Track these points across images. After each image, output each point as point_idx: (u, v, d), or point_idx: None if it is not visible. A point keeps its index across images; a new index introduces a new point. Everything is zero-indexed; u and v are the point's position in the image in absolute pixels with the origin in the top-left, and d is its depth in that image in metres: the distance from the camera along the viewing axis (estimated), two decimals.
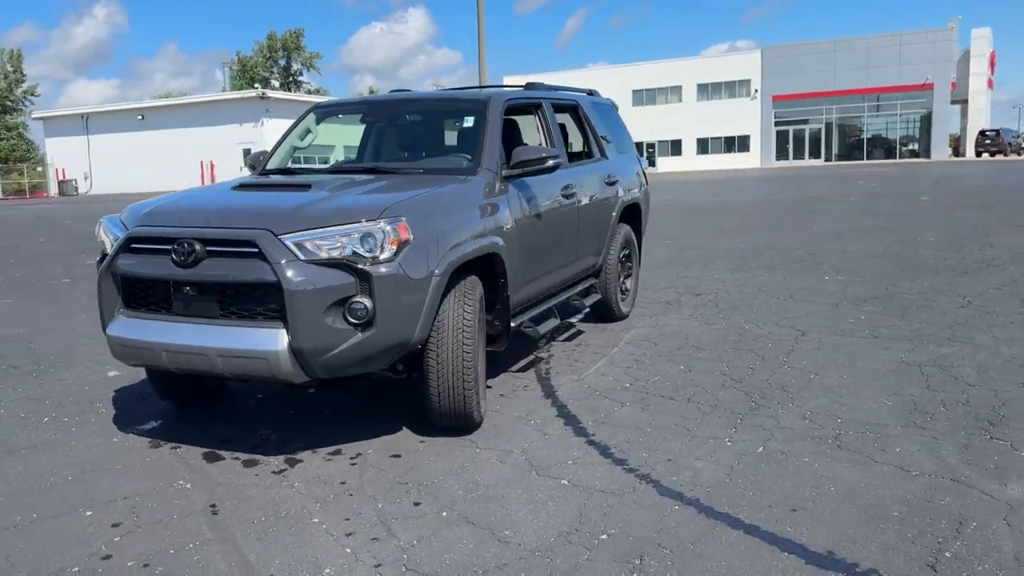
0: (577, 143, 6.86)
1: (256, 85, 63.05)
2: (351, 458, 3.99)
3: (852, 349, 5.72)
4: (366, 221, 3.75)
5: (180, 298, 3.85)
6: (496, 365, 5.53)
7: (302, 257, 3.62)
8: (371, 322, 3.68)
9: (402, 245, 3.78)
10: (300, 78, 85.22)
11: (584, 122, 6.56)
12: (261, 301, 3.69)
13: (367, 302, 3.66)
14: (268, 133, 45.23)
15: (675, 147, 67.93)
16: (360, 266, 3.66)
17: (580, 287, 6.18)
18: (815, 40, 63.09)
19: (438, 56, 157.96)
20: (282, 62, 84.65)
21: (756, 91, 64.29)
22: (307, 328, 3.60)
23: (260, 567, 2.93)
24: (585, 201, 5.97)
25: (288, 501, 3.50)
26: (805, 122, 63.44)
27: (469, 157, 4.93)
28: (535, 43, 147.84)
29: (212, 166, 47.53)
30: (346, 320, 3.66)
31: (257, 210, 4.02)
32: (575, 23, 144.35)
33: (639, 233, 7.35)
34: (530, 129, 5.94)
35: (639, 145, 69.11)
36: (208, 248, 3.73)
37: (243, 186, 4.68)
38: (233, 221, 3.84)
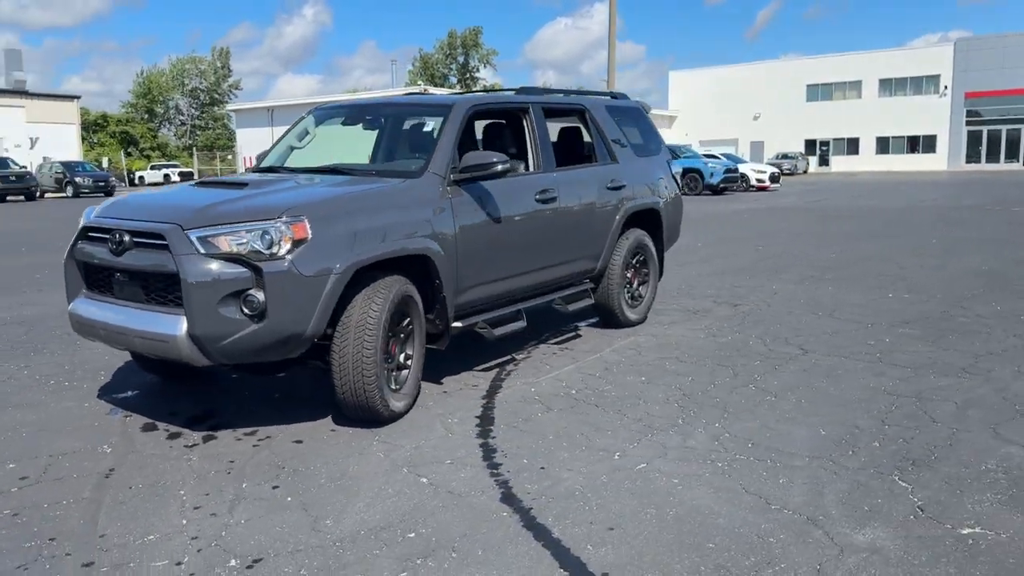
0: (580, 147, 6.81)
1: (419, 82, 65.83)
2: (258, 440, 4.28)
3: (841, 373, 5.36)
4: (267, 220, 4.03)
5: (116, 283, 4.31)
6: (463, 363, 5.67)
7: (202, 251, 3.95)
8: (264, 314, 3.95)
9: (297, 243, 4.02)
10: (477, 75, 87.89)
11: (591, 126, 6.52)
12: (169, 289, 4.06)
13: (260, 295, 3.94)
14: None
15: (852, 146, 64.12)
16: (256, 262, 3.94)
17: (570, 291, 6.17)
18: (1018, 32, 57.17)
19: (622, 50, 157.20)
20: (461, 59, 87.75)
21: (946, 87, 59.29)
22: (202, 316, 3.93)
23: (102, 526, 3.28)
24: (573, 205, 5.96)
25: (173, 473, 3.84)
26: (1004, 122, 57.72)
27: (422, 161, 5.10)
28: (725, 34, 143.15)
29: None
30: (242, 311, 3.96)
31: (178, 206, 4.40)
32: (767, 15, 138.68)
33: (659, 240, 7.19)
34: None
35: (812, 143, 65.97)
36: (134, 239, 4.16)
37: (199, 183, 5.13)
38: (156, 215, 4.24)
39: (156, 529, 3.25)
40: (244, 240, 3.96)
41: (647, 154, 7.12)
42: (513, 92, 6.07)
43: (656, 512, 3.33)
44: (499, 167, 4.99)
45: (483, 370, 5.59)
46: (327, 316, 4.12)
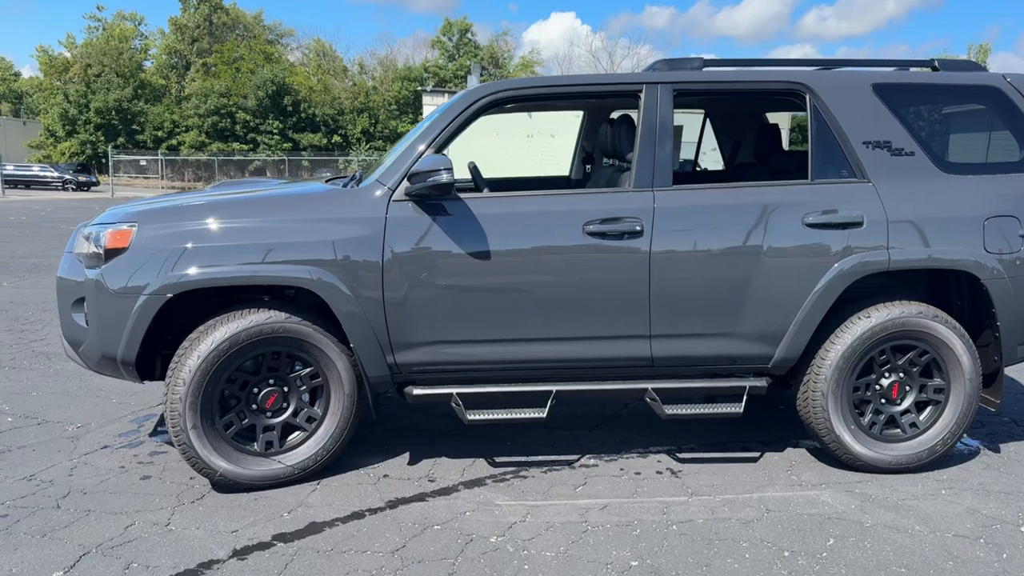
0: (782, 155, 4.01)
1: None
2: None
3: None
4: (104, 224, 3.65)
5: None
6: (431, 451, 4.11)
7: (71, 249, 3.79)
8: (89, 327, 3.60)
9: (112, 253, 3.51)
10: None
11: (816, 120, 3.85)
12: None
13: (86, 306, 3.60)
14: None
15: None
16: (86, 268, 3.61)
17: (688, 383, 3.82)
18: None
19: None
20: None
21: None
22: (63, 319, 3.78)
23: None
24: (689, 245, 3.66)
25: (124, 485, 3.67)
26: None
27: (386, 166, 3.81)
28: None
29: None
30: (85, 320, 3.67)
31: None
32: None
33: (982, 330, 3.85)
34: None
35: None
36: None
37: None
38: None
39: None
40: (88, 245, 3.65)
41: (996, 171, 3.90)
42: (659, 64, 4.01)
43: None
44: (444, 176, 3.43)
45: (462, 481, 3.95)
46: (137, 343, 3.49)
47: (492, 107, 3.79)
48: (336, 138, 48.36)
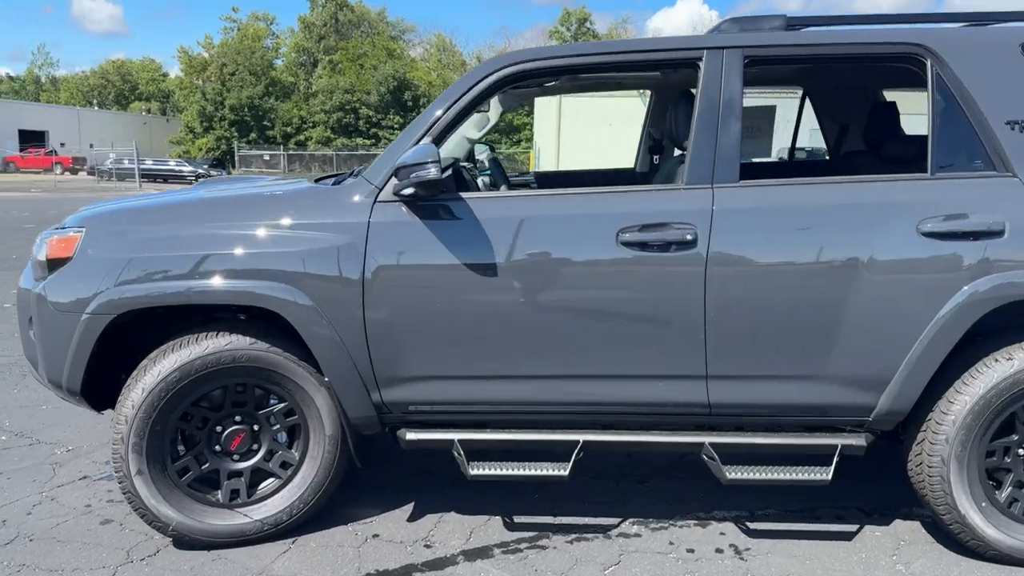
0: (901, 140, 3.00)
1: None
2: None
3: None
4: (59, 228, 3.14)
5: None
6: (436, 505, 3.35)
7: (33, 257, 3.32)
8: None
9: (54, 264, 2.99)
10: None
11: (939, 92, 2.87)
12: None
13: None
14: None
15: None
16: (36, 279, 3.11)
17: (755, 439, 2.93)
18: None
19: None
20: None
21: None
22: (22, 336, 3.32)
23: None
24: (759, 257, 2.79)
25: (78, 531, 3.17)
26: None
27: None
28: None
29: None
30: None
31: None
32: None
33: None
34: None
35: None
36: None
37: None
38: None
39: None
40: (38, 252, 3.15)
41: None
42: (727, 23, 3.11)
43: None
44: (429, 172, 2.70)
45: (465, 549, 3.20)
46: (81, 369, 2.95)
47: (509, 83, 3.03)
48: None
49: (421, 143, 2.89)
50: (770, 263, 2.81)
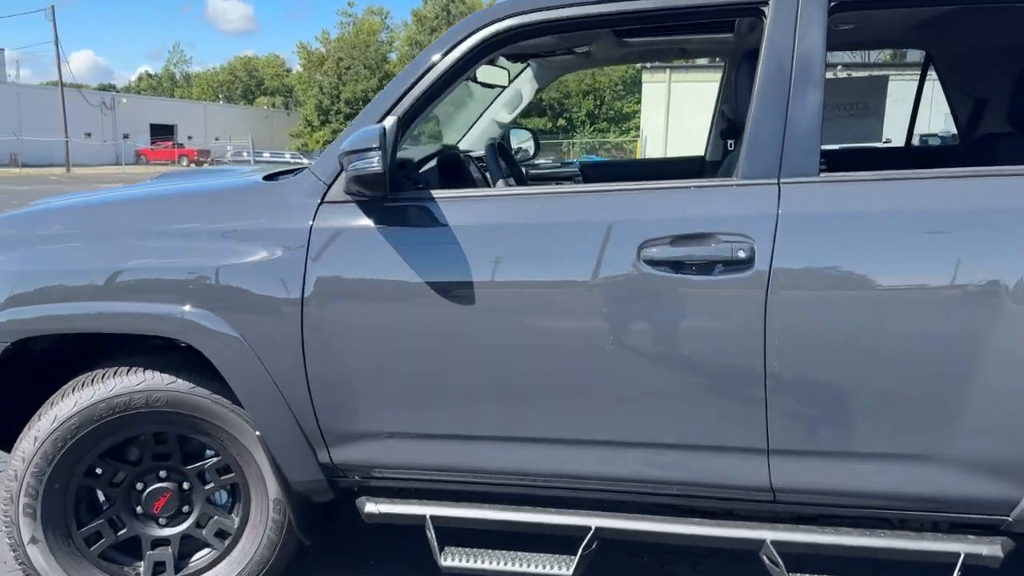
0: None
1: None
2: None
3: None
4: None
5: None
6: None
7: None
8: None
9: None
10: None
11: None
12: None
13: None
14: None
15: None
16: None
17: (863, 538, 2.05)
18: None
19: None
20: None
21: None
22: None
23: None
24: (894, 281, 1.93)
25: None
26: None
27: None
28: None
29: None
30: None
31: None
32: None
33: None
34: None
35: None
36: None
37: None
38: None
39: None
40: None
41: None
42: None
43: None
44: (373, 164, 1.98)
45: None
46: None
47: (504, 44, 2.26)
48: (561, 121, 47.74)
49: (387, 124, 2.17)
50: (863, 292, 1.94)
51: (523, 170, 3.44)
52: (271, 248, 2.18)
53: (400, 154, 2.37)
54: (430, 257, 2.12)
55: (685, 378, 2.03)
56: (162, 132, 56.28)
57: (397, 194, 2.18)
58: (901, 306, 1.93)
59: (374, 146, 1.97)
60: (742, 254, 1.95)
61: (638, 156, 26.10)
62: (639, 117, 33.70)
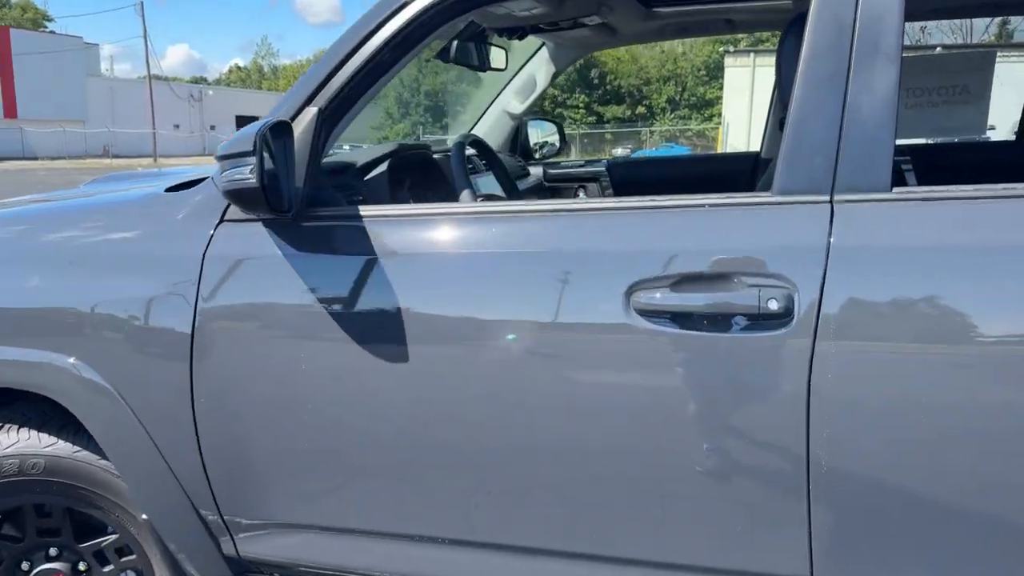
0: None
1: None
2: None
3: None
4: None
5: None
6: None
7: None
8: None
9: None
10: None
11: None
12: None
13: None
14: None
15: None
16: None
17: None
18: None
19: None
20: None
21: None
22: None
23: None
24: (998, 332, 1.30)
25: None
26: None
27: None
28: None
29: None
30: None
31: None
32: None
33: None
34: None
35: None
36: None
37: None
38: None
39: None
40: None
41: None
42: None
43: None
44: (247, 179, 1.45)
45: None
46: None
47: (461, 11, 1.70)
48: (640, 108, 46.53)
49: (300, 118, 1.65)
50: (962, 360, 1.31)
51: (511, 175, 2.84)
52: (156, 280, 1.69)
53: (350, 156, 1.85)
54: (352, 296, 1.58)
55: (694, 475, 1.44)
56: (247, 124, 57.57)
57: (316, 211, 1.66)
58: (1007, 372, 1.30)
59: (246, 151, 1.45)
60: (775, 304, 1.34)
61: (719, 144, 24.90)
62: (722, 104, 32.43)
